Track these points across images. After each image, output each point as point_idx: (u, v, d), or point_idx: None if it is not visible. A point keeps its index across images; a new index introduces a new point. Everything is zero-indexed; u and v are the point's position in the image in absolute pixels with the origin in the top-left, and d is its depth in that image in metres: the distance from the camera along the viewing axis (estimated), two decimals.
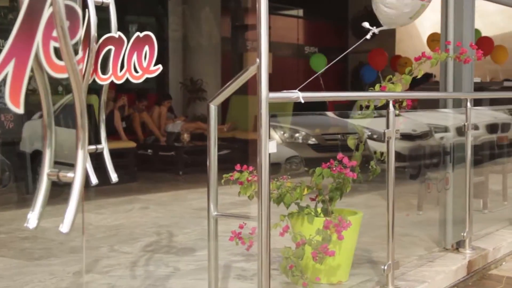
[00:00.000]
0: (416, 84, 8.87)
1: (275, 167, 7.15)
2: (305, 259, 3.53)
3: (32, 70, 1.79)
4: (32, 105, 2.23)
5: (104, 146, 2.76)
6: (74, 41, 1.86)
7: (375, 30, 3.87)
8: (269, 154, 2.74)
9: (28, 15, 1.75)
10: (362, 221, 3.94)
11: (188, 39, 12.01)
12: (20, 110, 1.75)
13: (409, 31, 15.42)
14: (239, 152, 9.23)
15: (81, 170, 1.85)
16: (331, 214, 3.82)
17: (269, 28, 2.76)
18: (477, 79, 8.79)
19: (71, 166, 1.88)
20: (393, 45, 15.49)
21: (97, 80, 2.64)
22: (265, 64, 2.69)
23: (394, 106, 3.81)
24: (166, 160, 9.72)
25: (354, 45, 4.28)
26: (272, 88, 2.77)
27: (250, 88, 3.02)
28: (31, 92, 2.04)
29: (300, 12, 15.50)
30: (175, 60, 12.05)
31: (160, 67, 2.54)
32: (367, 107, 4.08)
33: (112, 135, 8.95)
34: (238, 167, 3.66)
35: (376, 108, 4.05)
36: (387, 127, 3.77)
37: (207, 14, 11.90)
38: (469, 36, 4.72)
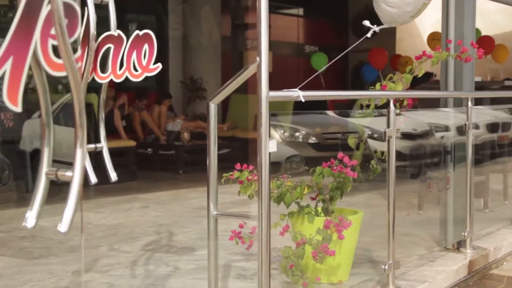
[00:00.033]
0: (416, 83, 8.85)
1: (276, 166, 7.14)
2: (305, 258, 3.52)
3: (30, 68, 1.77)
4: (32, 103, 2.22)
5: (103, 145, 2.75)
6: (72, 39, 1.84)
7: (375, 28, 3.86)
8: (269, 153, 2.73)
9: (26, 13, 1.73)
10: (362, 220, 3.93)
11: (188, 38, 11.99)
12: (18, 108, 1.73)
13: (410, 30, 15.40)
14: (239, 151, 9.21)
15: (80, 169, 1.83)
16: (331, 213, 3.81)
17: (269, 27, 2.75)
18: (478, 78, 8.78)
19: (70, 165, 1.86)
20: (394, 44, 15.47)
21: (96, 78, 2.63)
22: (265, 63, 2.68)
23: (394, 105, 3.80)
24: (166, 159, 9.70)
25: (355, 44, 4.27)
26: (272, 87, 2.76)
27: (250, 87, 3.01)
28: (31, 91, 2.03)
29: (301, 11, 15.48)
30: (175, 59, 12.03)
31: (159, 65, 2.53)
32: (368, 106, 4.07)
33: (112, 134, 8.94)
34: (238, 166, 3.65)
35: (376, 107, 4.04)
36: (388, 126, 3.76)
37: (207, 13, 11.88)
38: (470, 35, 4.70)
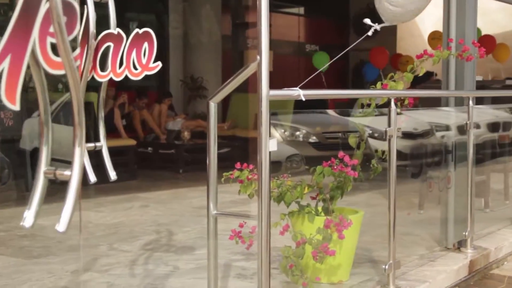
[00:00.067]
0: (417, 82, 8.85)
1: (276, 166, 7.12)
2: (306, 258, 3.51)
3: (28, 67, 1.76)
4: (33, 102, 2.20)
5: (102, 144, 2.73)
6: (71, 37, 1.83)
7: (377, 26, 3.84)
8: (270, 152, 2.72)
9: (24, 11, 1.72)
10: (363, 220, 3.91)
11: (188, 36, 11.98)
12: (16, 107, 1.72)
13: (410, 29, 15.38)
14: (240, 150, 9.20)
15: (78, 168, 1.82)
16: (331, 213, 3.79)
17: (270, 25, 2.74)
18: (479, 78, 8.76)
19: (71, 163, 1.85)
20: (394, 43, 15.46)
21: (96, 77, 2.61)
22: (265, 61, 2.67)
23: (395, 104, 3.78)
24: (166, 158, 9.68)
25: (356, 42, 4.25)
26: (273, 86, 2.74)
27: (250, 86, 2.99)
28: (32, 90, 2.01)
29: (301, 10, 15.45)
30: (176, 57, 12.02)
31: (159, 64, 2.52)
32: (369, 105, 4.05)
33: (112, 132, 8.93)
34: (238, 165, 3.64)
35: (377, 106, 4.02)
36: (389, 125, 3.74)
37: (207, 12, 11.87)
38: (472, 33, 4.68)
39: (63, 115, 6.13)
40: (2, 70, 1.68)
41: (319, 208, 3.86)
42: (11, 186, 7.18)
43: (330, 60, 5.53)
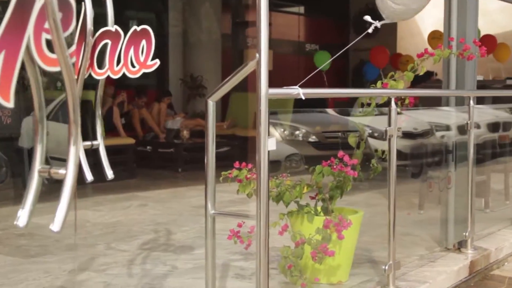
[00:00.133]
0: (417, 82, 8.82)
1: (275, 165, 7.10)
2: (305, 258, 3.48)
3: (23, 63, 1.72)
4: (31, 100, 2.18)
5: (99, 142, 2.70)
6: (67, 33, 1.80)
7: (377, 23, 3.81)
8: (268, 151, 2.69)
9: (18, 6, 1.68)
10: (362, 220, 3.88)
11: (188, 35, 11.95)
12: (10, 104, 1.69)
13: (410, 28, 15.36)
14: (239, 149, 9.18)
15: (73, 166, 1.79)
16: (331, 213, 3.76)
17: (270, 25, 2.71)
18: (480, 77, 8.74)
19: None
20: (394, 43, 15.44)
21: (93, 75, 2.58)
22: (264, 59, 2.64)
23: (396, 104, 3.75)
24: (165, 157, 9.66)
25: (357, 39, 4.22)
26: (272, 85, 2.71)
27: (250, 85, 2.97)
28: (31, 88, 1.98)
29: (301, 9, 15.43)
30: (175, 56, 11.99)
31: (157, 61, 2.49)
32: (369, 104, 4.02)
33: (111, 131, 8.90)
34: (237, 164, 3.61)
35: (377, 105, 3.99)
36: (389, 125, 3.71)
37: (207, 10, 11.84)
38: (472, 33, 4.66)
39: (61, 114, 6.09)
40: None
41: (319, 208, 3.83)
42: (9, 184, 7.15)
43: (333, 59, 5.49)
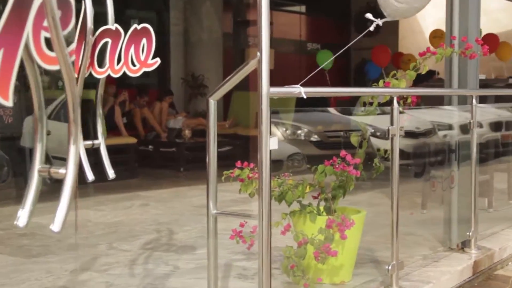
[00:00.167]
0: (419, 81, 8.79)
1: (277, 164, 7.08)
2: (307, 258, 3.46)
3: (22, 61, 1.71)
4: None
5: (100, 142, 2.68)
6: (66, 31, 1.78)
7: (379, 21, 3.79)
8: (270, 150, 2.67)
9: (17, 4, 1.66)
10: (365, 219, 3.86)
11: (189, 34, 11.94)
12: (9, 103, 1.67)
13: (412, 27, 15.33)
14: (241, 148, 9.16)
15: (73, 166, 1.77)
16: (333, 212, 3.74)
17: (271, 24, 2.69)
18: (482, 76, 8.72)
19: None
20: (396, 42, 15.41)
21: (93, 73, 2.56)
22: (266, 58, 2.62)
23: (398, 103, 3.73)
24: (167, 157, 9.65)
25: (358, 37, 4.20)
26: (274, 84, 2.69)
27: (252, 84, 2.95)
28: None
29: (303, 8, 15.41)
30: (177, 55, 11.97)
31: (158, 60, 2.47)
32: (371, 103, 4.00)
33: (113, 130, 8.89)
34: (239, 164, 3.59)
35: (379, 104, 3.97)
36: (391, 124, 3.69)
37: (208, 9, 11.82)
38: (475, 31, 4.63)
39: (63, 113, 6.08)
40: None
41: (321, 208, 3.81)
42: (11, 184, 7.14)
43: (335, 58, 5.48)
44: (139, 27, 2.49)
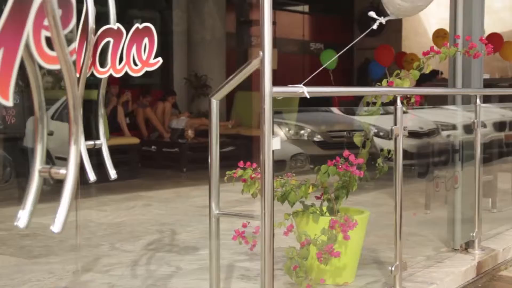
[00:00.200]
0: (423, 81, 8.77)
1: (280, 164, 7.06)
2: (310, 259, 3.44)
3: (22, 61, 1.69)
4: None
5: (102, 142, 2.67)
6: (66, 30, 1.76)
7: (382, 19, 3.77)
8: (273, 151, 2.65)
9: (17, 3, 1.65)
10: (368, 220, 3.84)
11: (192, 34, 11.92)
12: (9, 103, 1.65)
13: (415, 27, 15.31)
14: (244, 148, 9.14)
15: (74, 166, 1.75)
16: (337, 213, 3.73)
17: (274, 23, 2.68)
18: (486, 76, 8.69)
19: None
20: (399, 41, 15.39)
21: (95, 73, 2.55)
22: (268, 57, 2.60)
23: (402, 103, 3.71)
24: (170, 157, 9.63)
25: (361, 36, 4.18)
26: (277, 84, 2.67)
27: (254, 84, 2.93)
28: None
29: (306, 8, 15.39)
30: (180, 55, 11.96)
31: (160, 60, 2.45)
32: (374, 103, 3.98)
33: (116, 131, 8.88)
34: (241, 164, 3.57)
35: (383, 104, 3.95)
36: (395, 123, 3.67)
37: (211, 9, 11.80)
38: (479, 30, 4.61)
39: (66, 113, 6.06)
40: None
41: (324, 208, 3.80)
42: (13, 184, 7.13)
43: (337, 58, 5.45)
44: (141, 26, 2.47)
